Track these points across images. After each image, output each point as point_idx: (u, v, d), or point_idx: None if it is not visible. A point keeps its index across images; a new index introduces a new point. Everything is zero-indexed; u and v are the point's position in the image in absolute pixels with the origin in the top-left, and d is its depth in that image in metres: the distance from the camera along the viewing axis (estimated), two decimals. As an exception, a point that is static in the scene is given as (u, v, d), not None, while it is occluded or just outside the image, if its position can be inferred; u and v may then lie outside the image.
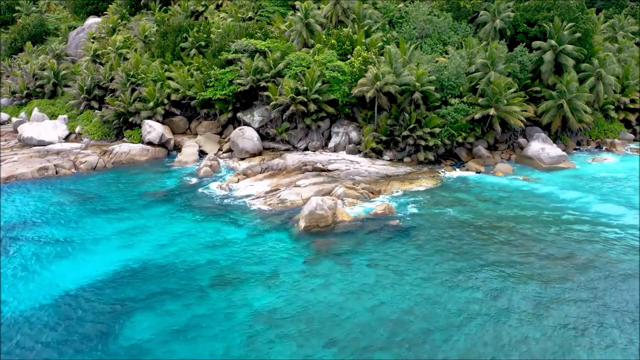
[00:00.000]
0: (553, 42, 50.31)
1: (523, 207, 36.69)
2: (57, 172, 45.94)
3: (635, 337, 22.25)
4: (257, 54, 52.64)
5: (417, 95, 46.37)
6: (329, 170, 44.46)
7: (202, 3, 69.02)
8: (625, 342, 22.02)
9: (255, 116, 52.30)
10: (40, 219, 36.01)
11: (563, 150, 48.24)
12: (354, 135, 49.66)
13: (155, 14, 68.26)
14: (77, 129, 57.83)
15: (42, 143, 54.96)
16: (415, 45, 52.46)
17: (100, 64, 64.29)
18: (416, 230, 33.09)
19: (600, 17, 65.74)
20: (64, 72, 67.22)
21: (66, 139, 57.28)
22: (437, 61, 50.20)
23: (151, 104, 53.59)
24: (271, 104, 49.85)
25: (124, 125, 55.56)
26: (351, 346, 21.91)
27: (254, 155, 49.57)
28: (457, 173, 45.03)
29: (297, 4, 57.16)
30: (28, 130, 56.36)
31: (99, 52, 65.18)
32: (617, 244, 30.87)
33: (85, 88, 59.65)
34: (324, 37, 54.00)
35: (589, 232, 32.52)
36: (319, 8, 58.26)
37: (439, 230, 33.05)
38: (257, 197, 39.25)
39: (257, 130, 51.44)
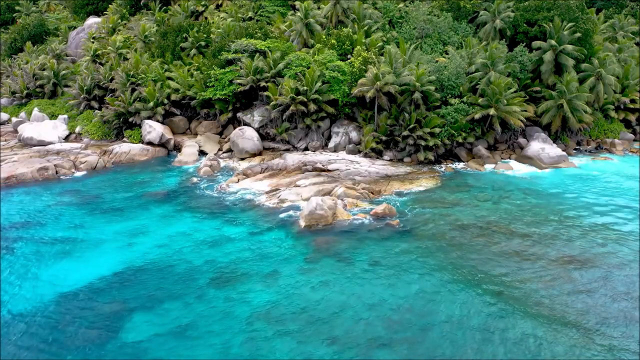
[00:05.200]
0: (553, 42, 50.32)
1: (523, 207, 36.70)
2: (57, 172, 45.90)
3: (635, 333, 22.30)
4: (257, 54, 52.65)
5: (417, 95, 46.38)
6: (329, 170, 44.46)
7: (202, 3, 69.03)
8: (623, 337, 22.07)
9: (255, 116, 52.31)
10: (40, 219, 35.99)
11: (563, 150, 48.25)
12: (354, 135, 49.66)
13: (155, 14, 68.26)
14: (77, 129, 57.81)
15: (42, 143, 54.94)
16: (415, 45, 52.46)
17: (100, 64, 64.30)
18: (416, 230, 33.10)
19: (600, 17, 65.74)
20: (64, 72, 67.22)
21: (66, 139, 57.25)
22: (437, 61, 50.22)
23: (151, 104, 53.59)
24: (271, 104, 49.85)
25: (124, 125, 55.54)
26: (351, 344, 21.92)
27: (254, 155, 49.57)
28: (457, 173, 45.03)
29: (297, 4, 57.17)
30: (28, 130, 56.35)
31: (99, 52, 65.20)
32: (616, 244, 30.87)
33: (85, 88, 59.65)
34: (324, 37, 54.00)
35: (588, 232, 32.51)
36: (319, 8, 58.29)
37: (438, 230, 33.06)
38: (257, 197, 39.25)
39: (257, 130, 51.44)
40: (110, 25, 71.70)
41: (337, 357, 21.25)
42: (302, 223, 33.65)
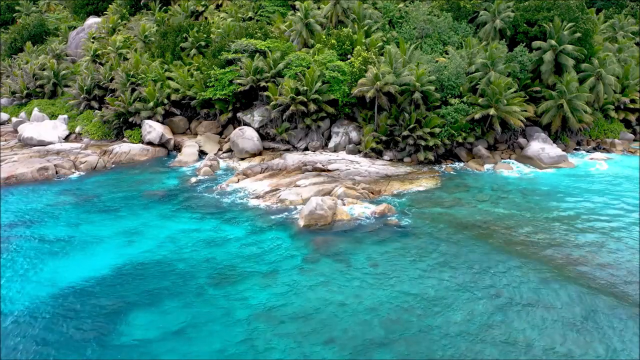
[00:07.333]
0: (553, 42, 50.30)
1: (522, 208, 36.67)
2: (57, 172, 45.91)
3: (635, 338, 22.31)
4: (257, 54, 52.65)
5: (417, 95, 46.37)
6: (329, 170, 44.45)
7: (202, 3, 69.04)
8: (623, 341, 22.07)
9: (255, 116, 52.31)
10: (40, 219, 36.01)
11: (563, 150, 48.25)
12: (354, 135, 49.66)
13: (155, 14, 68.28)
14: (77, 129, 57.83)
15: (42, 143, 54.95)
16: (415, 45, 52.45)
17: (100, 64, 64.32)
18: (416, 230, 33.09)
19: (600, 17, 65.73)
20: (64, 72, 67.24)
21: (66, 139, 57.26)
22: (437, 61, 50.21)
23: (151, 104, 53.60)
24: (271, 104, 49.85)
25: (124, 125, 55.55)
26: (350, 344, 21.92)
27: (254, 155, 49.57)
28: (457, 173, 45.01)
29: (297, 4, 57.17)
30: (28, 130, 56.37)
31: (99, 52, 65.21)
32: (616, 244, 30.84)
33: (85, 88, 59.67)
34: (324, 37, 54.00)
35: (587, 232, 32.49)
36: (319, 8, 58.28)
37: (438, 230, 33.04)
38: (257, 197, 39.24)
39: (257, 130, 51.44)
40: (110, 25, 71.72)
41: (335, 357, 21.24)
42: (302, 223, 33.65)
